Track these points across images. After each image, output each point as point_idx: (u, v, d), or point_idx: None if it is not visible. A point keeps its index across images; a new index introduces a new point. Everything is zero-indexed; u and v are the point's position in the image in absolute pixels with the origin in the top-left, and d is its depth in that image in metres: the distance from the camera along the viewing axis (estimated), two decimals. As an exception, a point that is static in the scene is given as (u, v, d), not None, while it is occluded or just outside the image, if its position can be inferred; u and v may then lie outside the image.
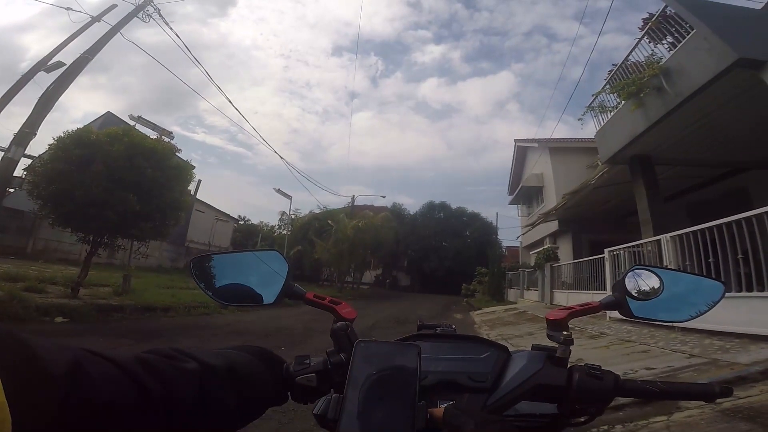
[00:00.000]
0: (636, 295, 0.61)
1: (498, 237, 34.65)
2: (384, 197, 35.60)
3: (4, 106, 7.75)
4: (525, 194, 20.52)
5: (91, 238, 7.34)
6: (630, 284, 0.62)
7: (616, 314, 6.59)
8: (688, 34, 5.86)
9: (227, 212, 30.99)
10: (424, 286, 34.00)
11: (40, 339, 0.29)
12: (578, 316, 0.61)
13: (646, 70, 6.54)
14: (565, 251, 14.22)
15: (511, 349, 0.62)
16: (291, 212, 25.68)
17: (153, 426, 0.35)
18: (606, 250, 7.78)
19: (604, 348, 4.85)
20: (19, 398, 0.25)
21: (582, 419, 0.56)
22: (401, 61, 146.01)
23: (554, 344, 0.57)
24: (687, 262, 5.28)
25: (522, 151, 21.72)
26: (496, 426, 0.40)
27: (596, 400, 0.53)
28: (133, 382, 0.34)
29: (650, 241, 6.45)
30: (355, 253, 21.74)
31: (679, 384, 0.57)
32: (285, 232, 26.65)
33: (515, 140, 22.15)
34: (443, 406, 0.44)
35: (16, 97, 7.96)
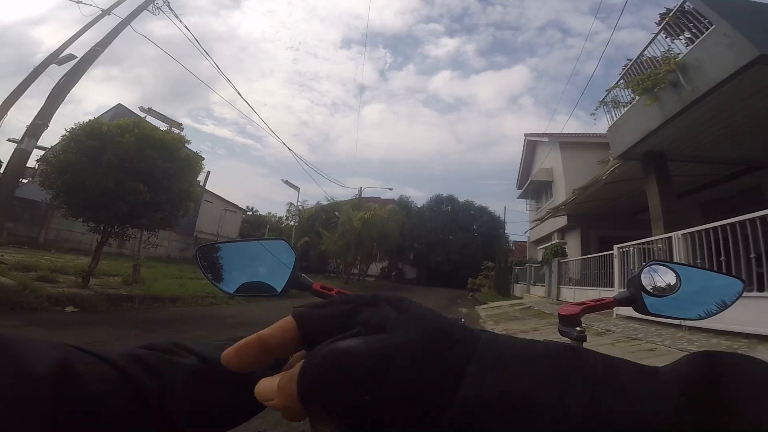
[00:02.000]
0: (651, 291, 0.60)
1: (505, 231, 34.55)
2: (391, 189, 35.67)
3: (17, 99, 7.85)
4: (534, 189, 20.35)
5: (101, 228, 7.45)
6: (646, 280, 0.60)
7: (623, 311, 6.60)
8: (707, 30, 5.73)
9: (236, 203, 31.25)
10: (429, 279, 34.05)
11: (25, 338, 0.28)
12: (592, 312, 0.59)
13: (662, 65, 6.41)
14: (573, 247, 14.10)
15: None
16: (298, 203, 25.80)
17: (150, 426, 0.33)
18: (615, 247, 7.70)
19: (610, 345, 4.82)
20: (3, 400, 0.24)
21: None
22: (411, 54, 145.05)
23: (566, 340, 0.55)
24: (698, 261, 5.20)
25: (532, 145, 21.51)
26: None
27: None
28: (127, 380, 0.32)
29: (661, 239, 6.37)
30: (362, 245, 21.78)
31: None
32: (292, 223, 26.83)
33: (525, 134, 21.99)
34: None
35: (30, 90, 8.06)
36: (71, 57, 8.16)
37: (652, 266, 0.62)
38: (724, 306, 0.60)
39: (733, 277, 0.63)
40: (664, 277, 0.61)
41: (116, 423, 0.30)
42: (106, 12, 8.39)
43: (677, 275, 0.61)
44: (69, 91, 7.80)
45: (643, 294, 0.59)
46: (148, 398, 0.33)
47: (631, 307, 0.60)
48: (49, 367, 0.27)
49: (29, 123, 7.29)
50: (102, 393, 0.30)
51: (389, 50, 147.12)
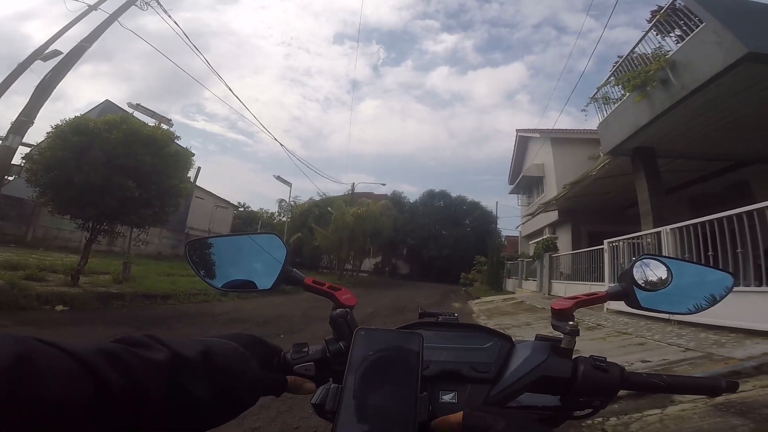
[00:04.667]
0: (643, 285, 0.60)
1: (497, 226, 34.72)
2: (384, 185, 35.58)
3: (0, 96, 7.67)
4: (525, 184, 20.50)
5: (90, 225, 7.35)
6: (638, 274, 0.60)
7: (613, 306, 6.68)
8: (697, 27, 5.80)
9: (227, 199, 31.00)
10: (422, 274, 34.17)
11: None
12: (584, 306, 0.59)
13: (652, 62, 6.48)
14: (564, 241, 14.24)
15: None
16: (291, 199, 25.70)
17: (115, 424, 0.32)
18: (605, 241, 7.79)
19: (601, 339, 4.89)
20: None
21: (585, 412, 0.55)
22: (407, 50, 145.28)
23: (558, 335, 0.56)
24: (686, 255, 5.28)
25: (523, 141, 21.63)
26: (527, 423, 0.37)
27: (601, 393, 0.52)
28: (91, 376, 0.31)
29: (650, 233, 6.46)
30: (355, 240, 21.75)
31: (685, 378, 0.56)
32: (285, 219, 26.69)
33: (517, 130, 22.11)
34: (461, 411, 0.42)
35: (18, 86, 7.89)
36: (57, 53, 7.99)
37: (643, 260, 0.62)
38: (715, 300, 0.61)
39: (724, 271, 0.64)
40: (656, 271, 0.61)
41: (78, 418, 0.29)
42: (92, 8, 8.21)
43: (668, 269, 0.61)
44: (55, 88, 7.66)
45: (635, 288, 0.60)
46: (113, 395, 0.31)
47: (623, 302, 0.61)
48: (6, 361, 0.26)
49: (14, 119, 7.15)
50: (62, 389, 0.28)
51: (384, 46, 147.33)
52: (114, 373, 0.32)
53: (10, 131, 7.09)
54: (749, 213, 4.28)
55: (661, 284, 0.60)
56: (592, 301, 0.60)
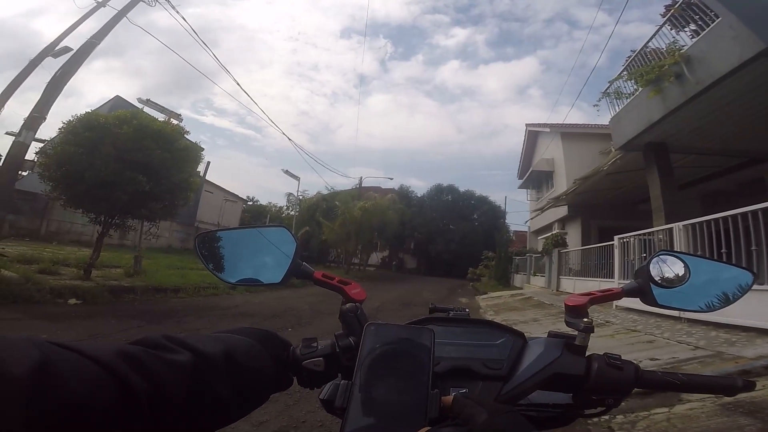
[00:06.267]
0: (660, 282, 0.58)
1: (506, 221, 34.44)
2: (392, 179, 35.45)
3: (13, 92, 7.76)
4: (535, 179, 20.29)
5: (102, 219, 7.47)
6: (654, 270, 0.59)
7: (622, 303, 6.61)
8: (713, 22, 5.68)
9: (236, 193, 31.25)
10: (430, 268, 34.11)
11: (2, 337, 0.27)
12: (599, 303, 0.58)
13: (666, 57, 6.36)
14: (573, 237, 14.10)
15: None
16: (299, 193, 25.80)
17: (138, 427, 0.32)
18: (616, 237, 7.69)
19: (609, 337, 4.84)
20: None
21: (597, 410, 0.54)
22: (416, 44, 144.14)
23: (571, 331, 0.55)
24: (698, 252, 5.21)
25: (533, 135, 21.40)
26: (510, 416, 0.36)
27: (615, 392, 0.51)
28: (114, 379, 0.30)
29: (662, 230, 6.36)
30: (362, 234, 21.76)
31: (701, 377, 0.54)
32: (293, 212, 26.83)
33: (526, 125, 21.87)
34: (453, 394, 0.42)
35: (31, 83, 7.97)
36: (67, 49, 8.07)
37: (660, 256, 0.60)
38: (734, 298, 0.59)
39: (743, 268, 0.62)
40: (673, 267, 0.59)
41: (102, 423, 0.29)
42: (101, 4, 8.25)
43: (686, 266, 0.59)
44: (66, 84, 7.74)
45: (652, 285, 0.58)
46: (137, 398, 0.31)
47: (637, 298, 0.59)
48: (27, 367, 0.25)
49: (27, 115, 7.26)
50: (84, 394, 0.28)
51: (393, 41, 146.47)
52: (137, 376, 0.32)
53: (23, 127, 7.19)
54: (765, 210, 4.21)
55: (678, 281, 0.58)
56: (607, 297, 0.58)
